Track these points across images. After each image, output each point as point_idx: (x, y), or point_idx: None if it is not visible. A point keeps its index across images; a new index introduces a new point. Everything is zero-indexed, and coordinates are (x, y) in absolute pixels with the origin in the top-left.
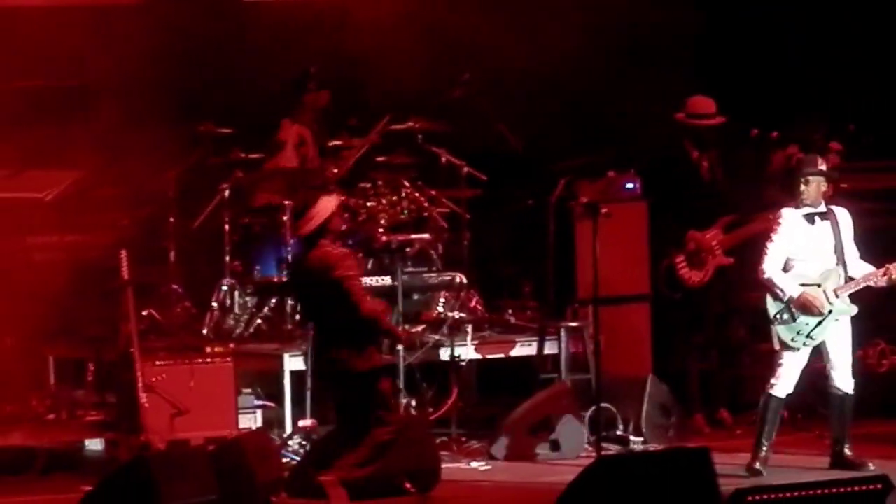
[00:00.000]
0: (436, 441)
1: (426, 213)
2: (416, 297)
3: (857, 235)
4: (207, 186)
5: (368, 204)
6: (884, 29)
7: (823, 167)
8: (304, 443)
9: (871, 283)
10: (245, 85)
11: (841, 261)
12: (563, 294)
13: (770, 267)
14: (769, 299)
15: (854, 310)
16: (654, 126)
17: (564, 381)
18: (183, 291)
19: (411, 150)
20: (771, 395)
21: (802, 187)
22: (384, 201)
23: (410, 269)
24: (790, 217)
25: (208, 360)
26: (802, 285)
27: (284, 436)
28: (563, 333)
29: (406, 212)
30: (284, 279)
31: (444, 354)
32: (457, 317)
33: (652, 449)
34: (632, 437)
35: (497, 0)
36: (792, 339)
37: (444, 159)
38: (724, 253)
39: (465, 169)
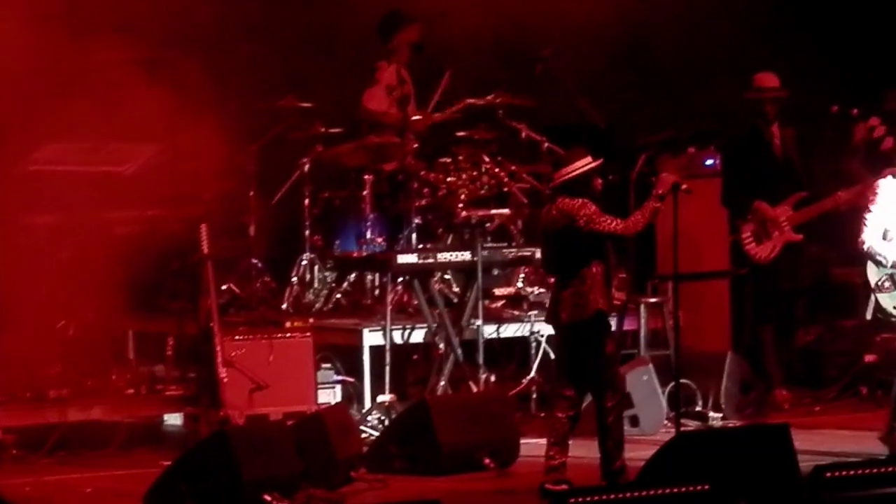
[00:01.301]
0: (515, 416)
1: (506, 189)
2: (495, 272)
3: None
4: (288, 161)
5: (448, 179)
6: None
7: None
8: (382, 418)
9: None
10: (325, 59)
11: None
12: (643, 270)
13: (869, 236)
14: (870, 269)
15: None
16: (732, 103)
17: (645, 357)
18: (263, 266)
19: (492, 125)
20: None
21: None
22: (464, 176)
23: (490, 245)
24: (889, 187)
25: (287, 334)
26: None
27: (364, 411)
28: (643, 309)
29: (486, 187)
30: (364, 254)
31: (525, 330)
32: (536, 292)
33: (731, 425)
34: (711, 414)
35: None
36: (894, 307)
37: (524, 134)
38: (794, 230)
39: (546, 144)
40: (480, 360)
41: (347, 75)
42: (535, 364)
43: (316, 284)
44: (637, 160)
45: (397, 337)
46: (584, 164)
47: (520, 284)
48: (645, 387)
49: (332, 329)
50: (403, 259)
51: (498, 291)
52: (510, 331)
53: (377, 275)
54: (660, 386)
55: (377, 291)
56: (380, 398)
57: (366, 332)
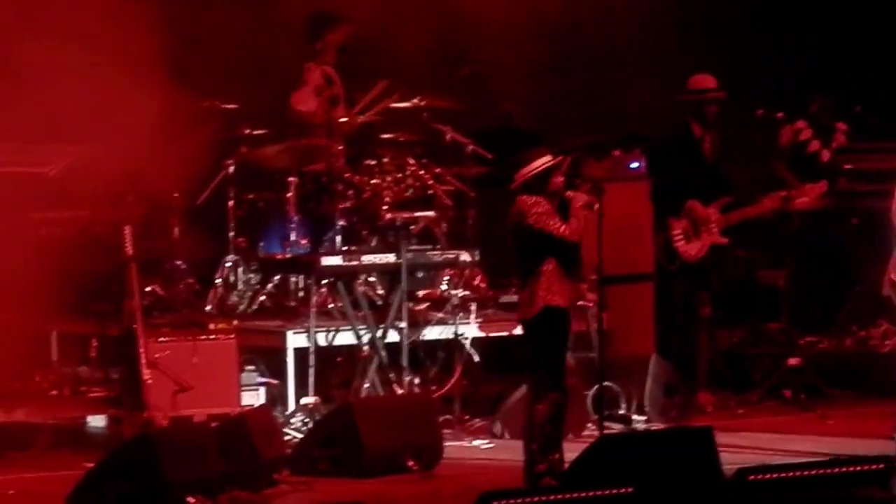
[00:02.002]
0: (439, 419)
1: (431, 191)
2: (420, 274)
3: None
4: (212, 162)
5: (373, 181)
6: (888, 10)
7: None
8: (306, 420)
9: None
10: (250, 60)
11: None
12: None
13: None
14: None
15: None
16: (659, 106)
17: (568, 360)
18: (187, 268)
19: (417, 128)
20: None
21: None
22: (389, 178)
23: (415, 247)
24: None
25: (211, 336)
26: None
27: (287, 413)
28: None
29: (411, 189)
30: (288, 256)
31: (448, 333)
32: (461, 295)
33: (654, 428)
34: (634, 416)
35: None
36: None
37: (449, 137)
38: (720, 232)
39: (471, 147)
40: (404, 363)
41: (273, 77)
42: (458, 366)
43: (240, 286)
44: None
45: (321, 339)
46: (543, 162)
47: (444, 287)
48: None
49: (256, 331)
50: (328, 261)
51: (422, 294)
52: (434, 333)
53: (301, 277)
54: (584, 389)
55: (301, 293)
56: (304, 400)
57: (290, 334)
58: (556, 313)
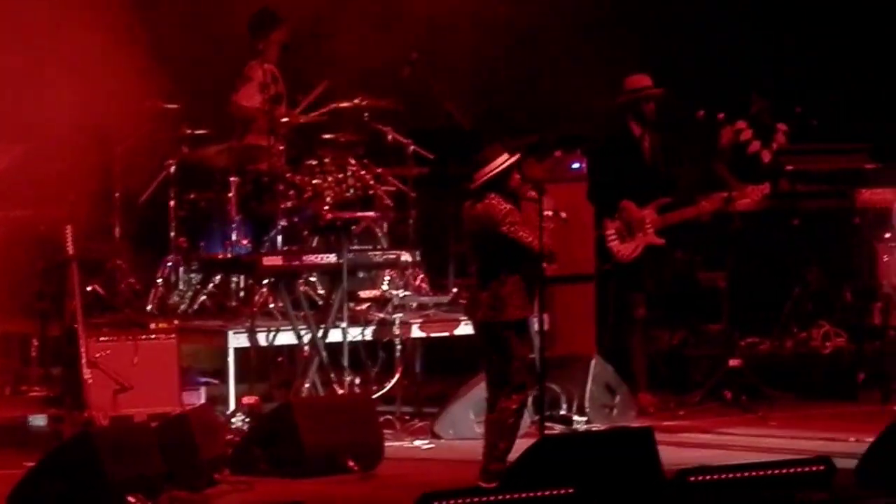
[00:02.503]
0: (379, 419)
1: (372, 192)
2: (361, 275)
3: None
4: (154, 162)
5: (314, 181)
6: (827, 12)
7: None
8: (247, 420)
9: None
10: (192, 60)
11: None
12: None
13: None
14: None
15: None
16: (600, 106)
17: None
18: (128, 267)
19: (358, 128)
20: None
21: None
22: (330, 179)
23: (356, 247)
24: None
25: (152, 336)
26: None
27: (228, 413)
28: None
29: (352, 190)
30: (229, 256)
31: (389, 332)
32: (401, 295)
33: (595, 429)
34: (575, 417)
35: None
36: None
37: (390, 137)
38: (656, 233)
39: (412, 147)
40: (345, 363)
41: (214, 77)
42: (399, 367)
43: (181, 286)
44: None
45: (262, 339)
46: (503, 161)
47: (385, 287)
48: None
49: (197, 331)
50: (269, 261)
51: (363, 294)
52: (375, 333)
53: (242, 277)
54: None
55: (242, 293)
56: (244, 400)
57: (231, 333)
58: (522, 324)
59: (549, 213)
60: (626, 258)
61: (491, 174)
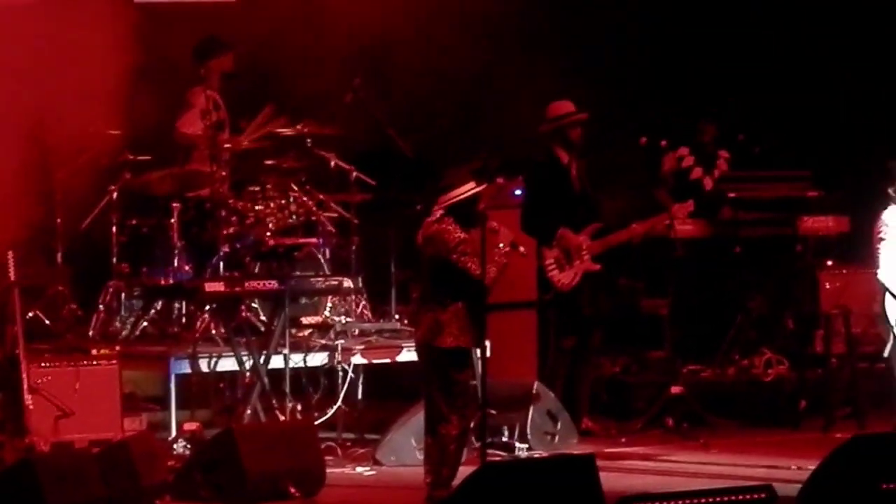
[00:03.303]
0: (321, 445)
1: (314, 218)
2: (303, 301)
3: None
4: (96, 188)
5: (257, 207)
6: (768, 40)
7: None
8: (188, 446)
9: None
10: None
11: None
12: None
13: (889, 269)
14: (890, 307)
15: None
16: (528, 134)
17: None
18: (69, 293)
19: (301, 154)
20: None
21: None
22: (272, 205)
23: (298, 274)
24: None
25: (94, 362)
26: None
27: (170, 439)
28: None
29: (294, 216)
30: (172, 282)
31: (331, 359)
32: (344, 321)
33: (537, 455)
34: (517, 444)
35: (390, 5)
36: None
37: (333, 163)
38: (592, 259)
39: (355, 173)
40: (287, 389)
41: (156, 103)
42: (341, 393)
43: (123, 312)
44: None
45: (204, 365)
46: (470, 188)
47: (327, 313)
48: None
49: (139, 357)
50: (211, 287)
51: (305, 320)
52: (317, 360)
53: (184, 303)
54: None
55: (184, 319)
56: (186, 426)
57: (172, 359)
58: (464, 353)
59: (507, 248)
60: (565, 287)
61: (455, 199)
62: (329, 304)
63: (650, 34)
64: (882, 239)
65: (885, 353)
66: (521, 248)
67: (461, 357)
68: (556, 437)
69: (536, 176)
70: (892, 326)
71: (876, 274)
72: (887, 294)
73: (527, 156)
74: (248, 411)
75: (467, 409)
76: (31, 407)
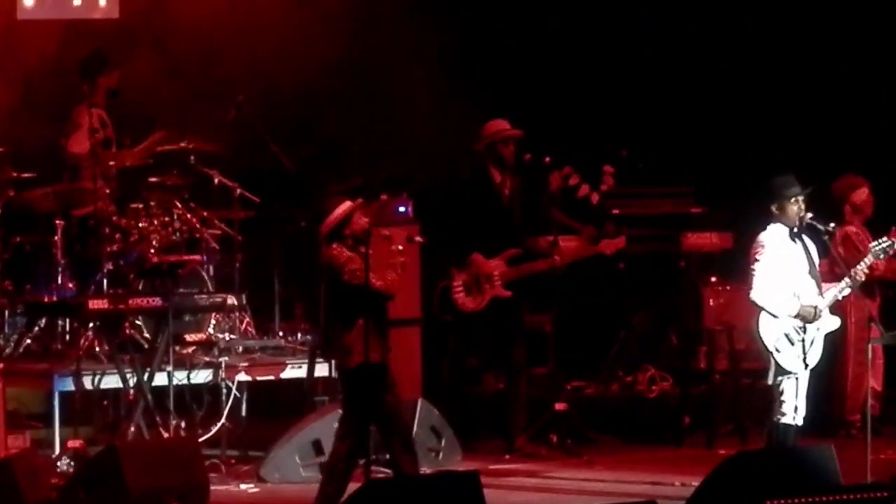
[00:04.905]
0: (205, 462)
1: (198, 235)
2: (187, 318)
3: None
4: None
5: (140, 224)
6: (655, 57)
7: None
8: (72, 463)
9: (839, 296)
10: (18, 102)
11: (814, 276)
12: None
13: (763, 289)
14: (764, 328)
15: (838, 322)
16: (444, 150)
17: (334, 404)
18: None
19: (184, 171)
20: (787, 425)
21: (794, 208)
22: (156, 222)
23: (182, 291)
24: (775, 236)
25: None
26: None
27: (54, 456)
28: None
29: (178, 233)
30: (55, 299)
31: (215, 376)
32: (227, 338)
33: (422, 472)
34: None
35: (274, 21)
36: (792, 365)
37: (216, 180)
38: (504, 285)
39: (238, 190)
40: (171, 406)
41: (40, 120)
42: (225, 410)
43: (6, 329)
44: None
45: (88, 382)
46: (346, 208)
47: (211, 330)
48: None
49: (23, 374)
50: (94, 304)
51: (189, 337)
52: (201, 377)
53: (68, 320)
54: None
55: (68, 337)
56: (70, 443)
57: (56, 377)
58: (372, 369)
59: (403, 246)
60: (470, 311)
61: (333, 224)
62: (213, 321)
63: (539, 53)
64: (757, 259)
65: (770, 381)
66: (417, 238)
67: (368, 374)
68: (441, 454)
69: (462, 193)
70: (769, 352)
71: (748, 294)
72: (761, 315)
73: (413, 172)
74: (132, 428)
75: (360, 428)
76: None
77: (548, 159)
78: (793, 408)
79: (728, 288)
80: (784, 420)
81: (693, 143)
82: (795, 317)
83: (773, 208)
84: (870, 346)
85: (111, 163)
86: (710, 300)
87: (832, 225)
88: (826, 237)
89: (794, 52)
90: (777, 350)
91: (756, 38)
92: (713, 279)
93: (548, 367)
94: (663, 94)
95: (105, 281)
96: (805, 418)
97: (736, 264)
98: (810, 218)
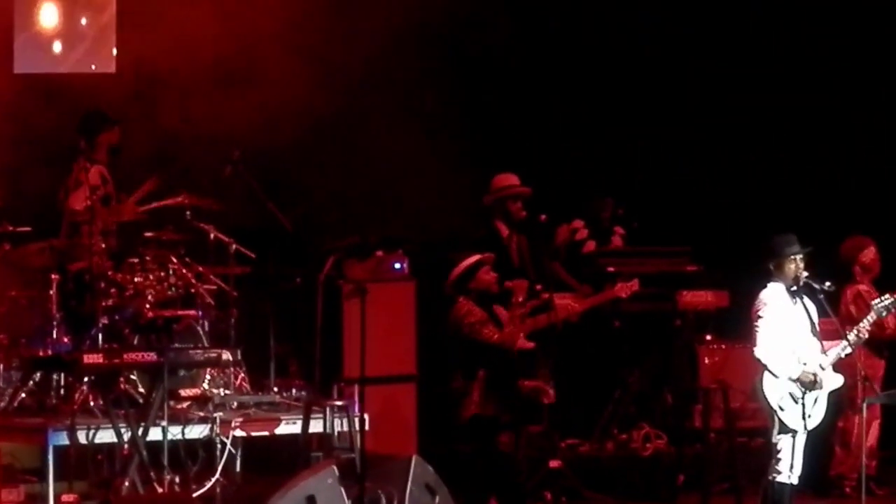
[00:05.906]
0: None
1: (193, 290)
2: (182, 373)
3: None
4: None
5: (136, 279)
6: (653, 113)
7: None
8: None
9: (841, 354)
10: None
11: (815, 335)
12: (329, 372)
13: (766, 347)
14: (768, 386)
15: (841, 380)
16: (434, 208)
17: (330, 460)
18: None
19: (180, 227)
20: (782, 484)
21: (791, 266)
22: (151, 277)
23: (177, 346)
24: (776, 294)
25: None
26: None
27: None
28: (328, 412)
29: (173, 288)
30: (50, 354)
31: (209, 432)
32: (222, 394)
33: None
34: None
35: (269, 77)
36: (795, 423)
37: (212, 236)
38: (527, 337)
39: (234, 246)
40: (165, 462)
41: (36, 175)
42: (219, 466)
43: (1, 383)
44: (325, 263)
45: (82, 437)
46: (470, 262)
47: (206, 385)
48: (329, 490)
49: (17, 428)
50: (89, 359)
51: (184, 393)
52: (195, 432)
53: (63, 374)
54: (344, 490)
55: (63, 391)
56: (64, 498)
57: (50, 431)
58: (485, 422)
59: (521, 299)
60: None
61: (455, 277)
62: (208, 377)
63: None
64: (760, 317)
65: (773, 439)
66: (543, 217)
67: (479, 428)
68: None
69: (477, 249)
70: (773, 410)
71: (753, 351)
72: (765, 373)
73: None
74: (126, 484)
75: None
76: None
77: (544, 217)
78: (788, 466)
79: (723, 346)
80: (779, 479)
81: (689, 202)
82: (795, 381)
83: (771, 266)
84: (864, 404)
85: (111, 218)
86: (706, 358)
87: (828, 283)
88: (822, 296)
89: (794, 52)
90: (781, 408)
91: (756, 39)
92: (708, 337)
93: (543, 424)
94: (659, 151)
95: (100, 336)
96: (799, 476)
97: (731, 323)
98: (806, 277)
